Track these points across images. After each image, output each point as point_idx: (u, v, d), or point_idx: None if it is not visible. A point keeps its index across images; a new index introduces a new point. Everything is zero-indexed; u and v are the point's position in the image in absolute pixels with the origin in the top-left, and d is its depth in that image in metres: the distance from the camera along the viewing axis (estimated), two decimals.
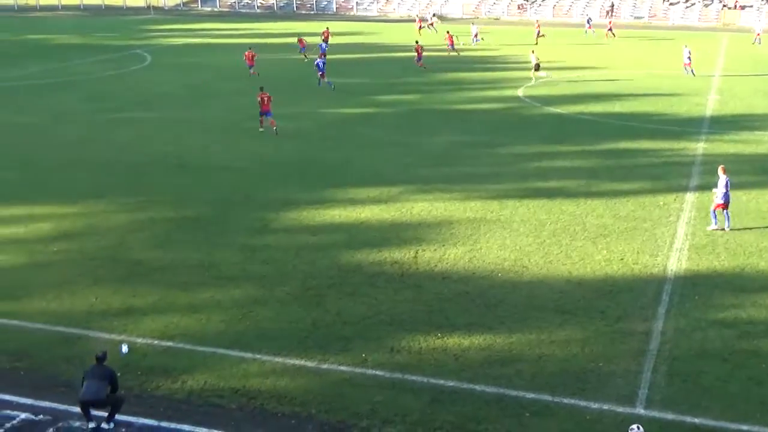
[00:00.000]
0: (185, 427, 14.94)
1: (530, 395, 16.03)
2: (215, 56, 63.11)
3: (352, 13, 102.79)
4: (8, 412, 15.38)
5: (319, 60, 49.82)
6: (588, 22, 79.36)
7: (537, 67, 52.53)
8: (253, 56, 54.05)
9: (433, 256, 22.93)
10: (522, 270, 22.01)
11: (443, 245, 23.71)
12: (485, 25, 78.53)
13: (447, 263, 22.44)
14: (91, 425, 14.85)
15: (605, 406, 15.65)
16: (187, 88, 49.55)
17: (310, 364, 17.19)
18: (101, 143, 35.66)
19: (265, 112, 37.39)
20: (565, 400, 15.86)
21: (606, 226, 25.35)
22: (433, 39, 70.61)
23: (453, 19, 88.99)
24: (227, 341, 18.08)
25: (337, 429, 14.99)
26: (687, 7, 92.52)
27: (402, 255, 22.97)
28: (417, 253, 23.13)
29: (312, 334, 18.41)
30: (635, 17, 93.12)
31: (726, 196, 24.59)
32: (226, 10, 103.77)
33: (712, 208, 25.16)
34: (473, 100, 46.04)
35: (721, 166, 25.23)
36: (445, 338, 18.24)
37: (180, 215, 26.21)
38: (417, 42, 59.58)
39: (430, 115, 41.87)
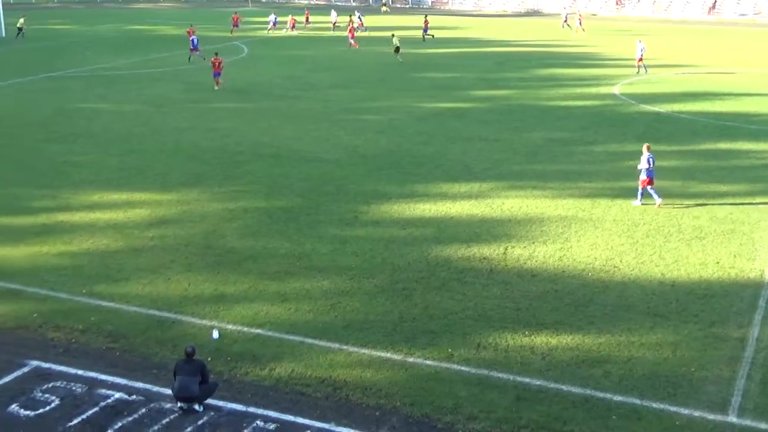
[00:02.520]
0: (272, 413, 15.16)
1: (618, 398, 15.77)
2: (311, 48, 63.76)
3: (447, 7, 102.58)
4: (104, 391, 15.84)
5: (194, 37, 57.61)
6: (565, 17, 78.64)
7: (397, 50, 57.71)
8: (193, 31, 60.57)
9: (522, 253, 22.76)
10: (613, 270, 21.67)
11: (533, 243, 23.51)
12: (582, 20, 77.38)
13: (536, 261, 22.24)
14: (182, 406, 15.20)
15: (696, 413, 15.30)
16: (282, 80, 50.22)
17: (396, 356, 17.26)
18: (199, 132, 36.42)
19: (216, 74, 46.53)
20: (654, 405, 15.56)
21: (702, 228, 24.76)
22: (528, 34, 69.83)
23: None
24: (315, 331, 18.28)
25: (421, 422, 15.01)
26: None
27: (491, 251, 22.86)
28: (506, 249, 22.99)
29: (399, 327, 18.48)
30: (740, 14, 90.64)
31: (650, 173, 26.14)
32: (323, 3, 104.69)
33: (639, 186, 26.48)
34: (568, 96, 45.48)
35: (646, 144, 26.89)
36: (533, 336, 18.10)
37: (272, 205, 26.59)
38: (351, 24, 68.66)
39: (524, 111, 41.53)
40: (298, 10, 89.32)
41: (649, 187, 26.31)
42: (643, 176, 26.27)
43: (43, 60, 57.35)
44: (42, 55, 60.01)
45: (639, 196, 26.56)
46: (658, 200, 26.30)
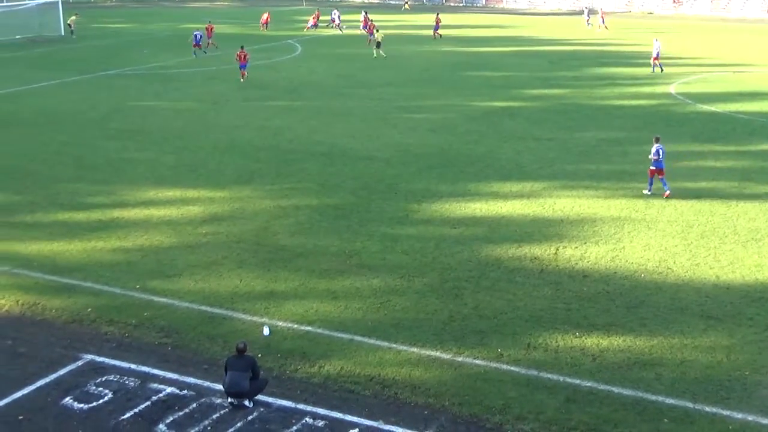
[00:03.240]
0: (321, 410, 15.24)
1: (670, 401, 15.58)
2: (363, 47, 63.85)
3: (501, 6, 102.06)
4: (156, 385, 16.08)
5: (197, 32, 59.38)
6: (588, 14, 77.27)
7: (378, 45, 59.10)
8: (211, 29, 62.03)
9: (574, 253, 22.58)
10: (666, 272, 21.39)
11: (585, 243, 23.31)
12: (638, 19, 76.47)
13: (588, 261, 22.04)
14: (232, 402, 15.35)
15: (750, 417, 15.06)
16: (335, 78, 50.40)
17: (445, 356, 17.24)
18: (252, 130, 36.72)
19: (242, 65, 48.33)
20: (707, 408, 15.34)
21: (758, 229, 24.33)
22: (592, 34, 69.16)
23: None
24: (364, 329, 18.33)
25: (469, 422, 14.98)
26: None
27: (542, 251, 22.71)
28: (558, 249, 22.82)
29: (448, 327, 18.45)
30: None
31: (658, 164, 27.03)
32: (376, 1, 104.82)
33: (648, 174, 27.45)
34: (623, 95, 44.96)
35: (656, 136, 27.97)
36: (584, 337, 17.95)
37: (323, 203, 26.72)
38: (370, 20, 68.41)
39: (578, 110, 41.15)
40: (355, 8, 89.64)
41: (659, 177, 27.17)
42: (652, 166, 27.20)
43: (100, 58, 58.27)
44: (99, 53, 60.98)
45: (649, 186, 27.42)
46: (650, 189, 27.29)
